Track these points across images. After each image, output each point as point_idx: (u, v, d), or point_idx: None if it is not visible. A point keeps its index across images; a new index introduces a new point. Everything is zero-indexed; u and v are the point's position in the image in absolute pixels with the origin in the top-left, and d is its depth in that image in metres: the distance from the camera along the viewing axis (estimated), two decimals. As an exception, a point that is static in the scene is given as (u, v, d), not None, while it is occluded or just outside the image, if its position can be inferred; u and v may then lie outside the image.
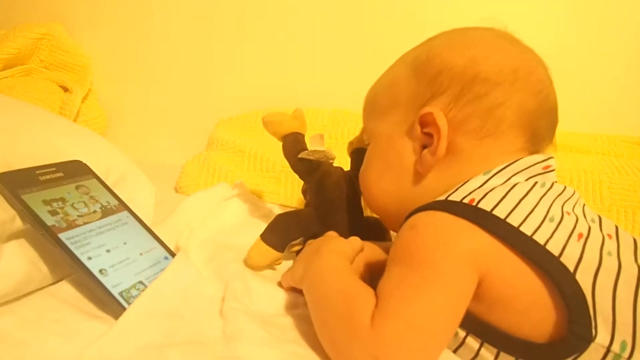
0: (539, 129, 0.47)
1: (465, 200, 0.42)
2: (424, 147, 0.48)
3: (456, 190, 0.44)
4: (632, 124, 0.93)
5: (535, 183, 0.44)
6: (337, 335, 0.40)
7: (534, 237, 0.39)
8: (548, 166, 0.46)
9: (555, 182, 0.46)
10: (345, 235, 0.62)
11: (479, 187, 0.43)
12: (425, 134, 0.47)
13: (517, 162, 0.45)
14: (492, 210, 0.40)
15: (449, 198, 0.44)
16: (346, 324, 0.39)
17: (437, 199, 0.44)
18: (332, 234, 0.57)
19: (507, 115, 0.45)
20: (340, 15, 1.05)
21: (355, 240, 0.53)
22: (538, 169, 0.45)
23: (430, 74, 0.47)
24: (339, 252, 0.49)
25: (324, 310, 0.43)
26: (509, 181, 0.44)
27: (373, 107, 0.54)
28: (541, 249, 0.38)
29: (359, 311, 0.39)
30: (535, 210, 0.41)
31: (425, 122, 0.47)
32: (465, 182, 0.45)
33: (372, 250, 0.57)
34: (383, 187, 0.52)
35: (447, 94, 0.46)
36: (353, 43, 1.06)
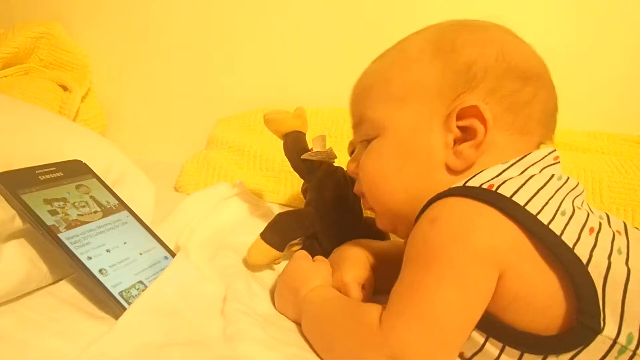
0: (551, 129, 0.48)
1: (484, 186, 0.41)
2: (454, 141, 0.45)
3: (473, 177, 0.43)
4: (632, 122, 0.93)
5: (552, 176, 0.44)
6: (349, 345, 0.39)
7: (550, 227, 0.38)
8: (557, 157, 0.46)
9: (569, 176, 0.46)
10: (347, 234, 0.62)
11: (496, 176, 0.43)
12: (460, 128, 0.45)
13: (531, 154, 0.44)
14: (512, 197, 0.40)
15: (467, 184, 0.43)
16: (356, 331, 0.39)
17: (454, 185, 0.43)
18: (300, 255, 0.53)
19: (535, 112, 0.45)
20: (340, 14, 1.05)
21: (321, 260, 0.52)
22: (550, 159, 0.45)
23: (460, 64, 0.45)
24: (319, 285, 0.48)
25: (331, 331, 0.42)
26: (525, 172, 0.43)
27: (384, 93, 0.49)
28: (558, 239, 0.38)
29: (365, 317, 0.39)
30: (550, 202, 0.40)
31: (464, 115, 0.44)
32: (482, 171, 0.43)
33: (373, 250, 0.57)
34: (402, 185, 0.48)
35: (481, 87, 0.44)
36: (353, 42, 1.05)
